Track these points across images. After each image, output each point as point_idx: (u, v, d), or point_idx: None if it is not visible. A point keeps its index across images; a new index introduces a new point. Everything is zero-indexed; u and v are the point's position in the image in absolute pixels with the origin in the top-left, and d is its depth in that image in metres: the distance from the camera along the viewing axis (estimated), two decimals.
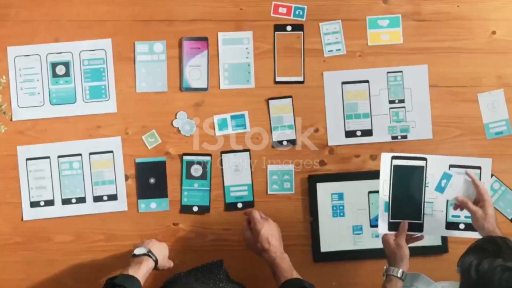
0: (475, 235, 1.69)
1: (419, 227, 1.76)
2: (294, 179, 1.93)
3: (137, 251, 1.73)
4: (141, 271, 1.67)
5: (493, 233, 1.61)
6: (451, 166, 1.75)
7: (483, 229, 1.65)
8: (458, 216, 1.74)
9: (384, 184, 1.76)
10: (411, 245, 1.76)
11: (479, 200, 1.68)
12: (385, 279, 1.69)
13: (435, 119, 1.95)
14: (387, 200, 1.77)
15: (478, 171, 1.75)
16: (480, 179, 1.75)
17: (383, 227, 1.76)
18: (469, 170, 1.72)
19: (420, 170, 1.76)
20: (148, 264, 1.71)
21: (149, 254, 1.73)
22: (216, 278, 1.80)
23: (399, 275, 1.66)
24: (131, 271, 1.66)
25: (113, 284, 1.61)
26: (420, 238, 1.78)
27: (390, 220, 1.76)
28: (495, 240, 1.42)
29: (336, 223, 1.94)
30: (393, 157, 1.76)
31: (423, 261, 1.89)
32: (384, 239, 1.74)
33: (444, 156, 1.79)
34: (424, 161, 1.76)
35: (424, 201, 1.76)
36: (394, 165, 1.76)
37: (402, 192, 1.76)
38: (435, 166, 1.75)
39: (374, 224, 1.89)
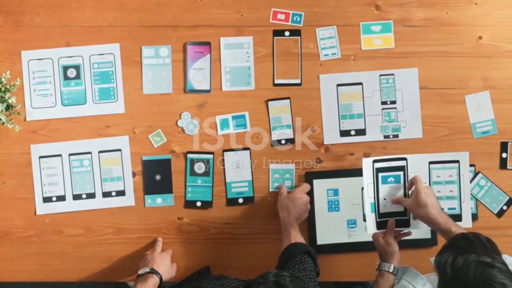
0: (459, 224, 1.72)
1: (406, 223, 1.79)
2: (294, 177, 1.95)
3: (141, 271, 1.78)
4: (148, 285, 1.73)
5: (434, 221, 1.64)
6: (430, 162, 1.79)
7: (421, 217, 1.69)
8: (442, 209, 1.74)
9: (368, 186, 1.78)
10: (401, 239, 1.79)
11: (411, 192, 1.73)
12: (378, 273, 1.72)
13: (425, 119, 1.96)
14: (373, 201, 1.78)
15: (457, 164, 1.79)
16: (459, 172, 1.78)
17: (371, 227, 1.79)
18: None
19: (401, 170, 1.78)
20: (154, 280, 1.75)
21: (152, 271, 1.77)
22: (208, 279, 1.85)
23: (390, 270, 1.70)
24: (139, 286, 1.72)
25: None
26: (408, 234, 1.80)
27: (378, 220, 1.78)
28: (467, 237, 1.43)
29: (332, 217, 1.95)
30: (374, 161, 1.78)
31: (414, 253, 1.91)
32: (374, 238, 1.77)
33: (423, 154, 1.81)
34: (405, 161, 1.78)
35: (408, 198, 1.77)
36: (376, 168, 1.78)
37: (387, 192, 1.79)
38: (416, 164, 1.77)
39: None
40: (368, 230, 1.79)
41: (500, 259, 1.36)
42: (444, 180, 1.80)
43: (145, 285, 1.72)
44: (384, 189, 1.78)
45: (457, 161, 1.79)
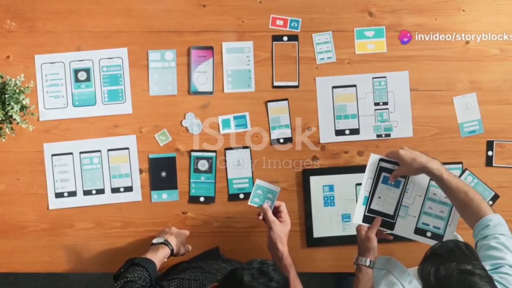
0: None
1: (391, 226, 1.80)
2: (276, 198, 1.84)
3: (155, 240, 1.82)
4: (158, 256, 1.76)
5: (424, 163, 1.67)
6: (431, 179, 1.75)
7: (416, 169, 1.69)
8: (428, 225, 1.78)
9: (367, 180, 1.80)
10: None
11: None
12: (356, 268, 1.75)
13: (415, 119, 2.02)
14: (367, 195, 1.80)
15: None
16: None
17: (358, 218, 1.80)
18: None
19: (403, 177, 1.80)
20: (165, 251, 1.79)
21: (165, 242, 1.82)
22: (215, 260, 1.89)
23: (367, 264, 1.73)
24: (148, 255, 1.76)
25: (133, 262, 1.70)
26: (389, 237, 1.81)
27: (366, 213, 1.80)
28: (447, 245, 1.45)
29: (327, 211, 2.01)
30: (381, 160, 1.80)
31: (399, 246, 1.93)
32: (357, 229, 1.79)
33: None
34: None
35: (400, 204, 1.80)
36: (381, 167, 1.80)
37: (383, 191, 1.80)
38: (418, 176, 1.78)
39: None
40: (354, 220, 1.81)
41: (479, 265, 1.40)
42: (438, 199, 1.79)
43: (155, 254, 1.76)
44: (381, 189, 1.80)
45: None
